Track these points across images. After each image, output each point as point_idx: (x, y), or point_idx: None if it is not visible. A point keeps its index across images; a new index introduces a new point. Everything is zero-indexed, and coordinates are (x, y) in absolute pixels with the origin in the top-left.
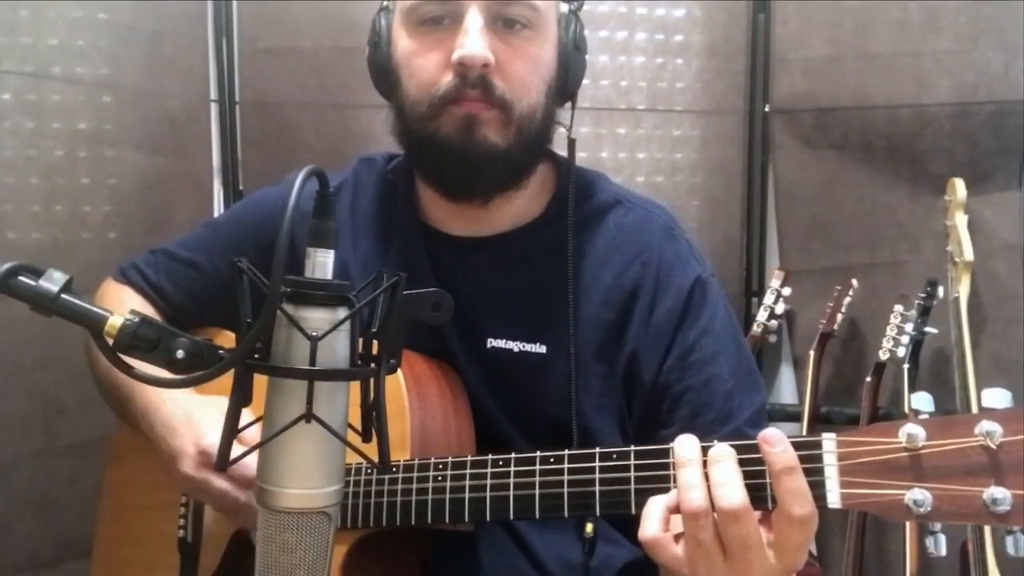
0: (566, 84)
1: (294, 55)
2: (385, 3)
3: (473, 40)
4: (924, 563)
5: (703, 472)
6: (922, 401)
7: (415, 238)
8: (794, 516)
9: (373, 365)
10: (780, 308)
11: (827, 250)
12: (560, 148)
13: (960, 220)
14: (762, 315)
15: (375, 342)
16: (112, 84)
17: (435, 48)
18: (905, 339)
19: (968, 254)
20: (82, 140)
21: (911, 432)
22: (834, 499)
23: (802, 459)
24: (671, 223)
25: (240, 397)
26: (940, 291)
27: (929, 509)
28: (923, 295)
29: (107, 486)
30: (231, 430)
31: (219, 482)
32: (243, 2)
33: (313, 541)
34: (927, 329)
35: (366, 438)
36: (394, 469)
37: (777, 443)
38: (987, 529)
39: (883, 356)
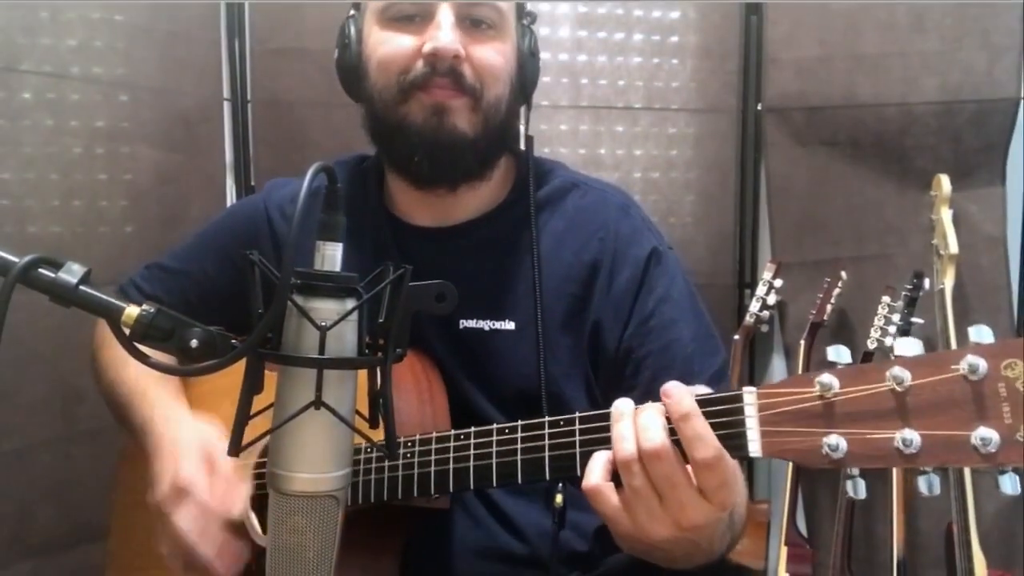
0: (524, 86)
1: (304, 56)
2: (352, 12)
3: (446, 33)
4: (911, 545)
5: (633, 426)
6: (838, 353)
7: (385, 231)
8: (697, 459)
9: (380, 354)
10: (772, 299)
11: (817, 243)
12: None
13: (945, 214)
14: (754, 306)
15: (381, 332)
16: (128, 83)
17: (405, 38)
18: (892, 329)
19: (953, 247)
20: (100, 137)
21: (825, 381)
22: (755, 448)
23: (724, 413)
24: (626, 202)
25: (252, 385)
26: (926, 283)
27: (843, 454)
28: (909, 287)
29: (120, 478)
30: (243, 417)
31: (182, 521)
32: (255, 4)
33: (322, 524)
34: (913, 319)
35: (373, 424)
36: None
37: (672, 393)
38: (971, 512)
39: (871, 345)
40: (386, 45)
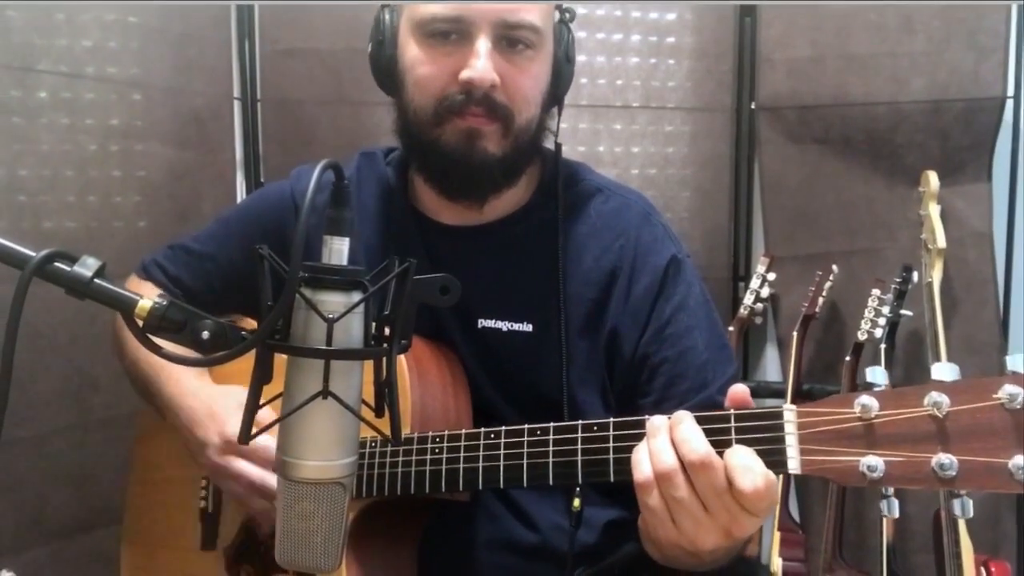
0: (556, 93)
1: (312, 56)
2: (388, 2)
3: (483, 63)
4: (900, 530)
5: (670, 440)
6: (876, 375)
7: (411, 227)
8: (745, 490)
9: (385, 345)
10: (765, 292)
11: (809, 238)
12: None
13: (933, 210)
14: (748, 298)
15: (387, 324)
16: (142, 83)
17: (442, 60)
18: (882, 321)
19: (941, 241)
20: (114, 135)
21: (865, 403)
22: (794, 465)
23: (764, 429)
24: (647, 209)
25: (261, 375)
26: (915, 276)
27: (881, 474)
28: (899, 280)
29: (135, 460)
30: (253, 406)
31: (241, 463)
32: (264, 6)
33: (330, 509)
34: (902, 312)
35: (379, 413)
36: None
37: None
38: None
39: (861, 337)
40: (424, 67)
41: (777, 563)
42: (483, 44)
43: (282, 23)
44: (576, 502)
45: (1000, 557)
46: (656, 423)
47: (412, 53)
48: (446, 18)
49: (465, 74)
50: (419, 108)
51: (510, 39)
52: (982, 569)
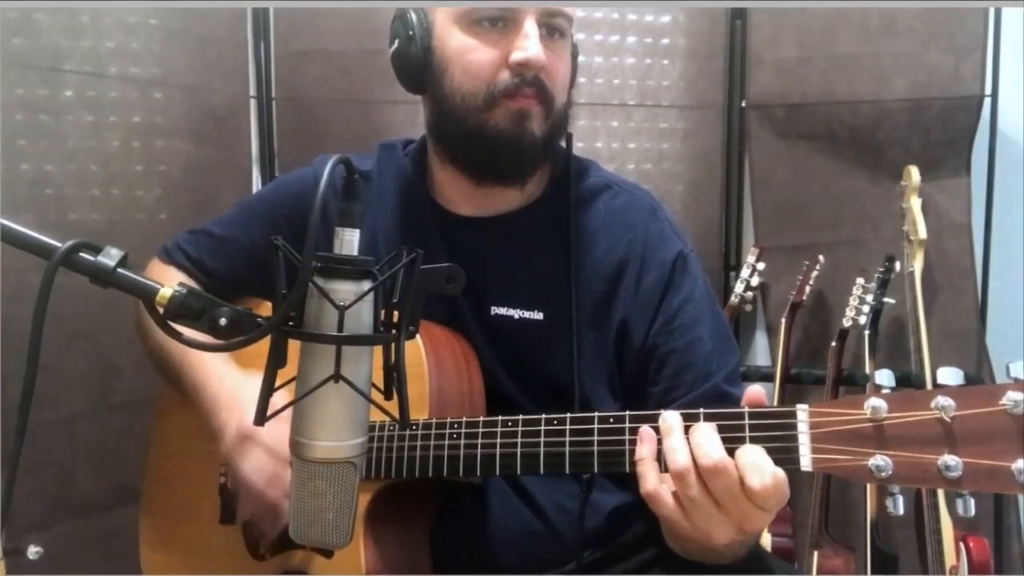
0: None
1: (324, 56)
2: (401, 4)
3: (535, 44)
4: (883, 508)
5: (685, 438)
6: (884, 377)
7: (428, 217)
8: (755, 488)
9: (394, 331)
10: (755, 281)
11: (797, 229)
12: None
13: (915, 203)
14: (739, 287)
15: (396, 311)
16: (162, 82)
17: (492, 46)
18: (866, 308)
19: (922, 233)
20: (136, 132)
21: (875, 405)
22: (806, 463)
23: (778, 427)
24: (655, 205)
25: (276, 360)
26: (897, 266)
27: (889, 473)
28: (882, 269)
29: (156, 433)
30: (268, 389)
31: (259, 452)
32: (279, 9)
33: (341, 488)
34: (885, 299)
35: (388, 396)
36: (412, 426)
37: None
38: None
39: (846, 323)
40: (475, 53)
41: (766, 538)
42: (532, 27)
43: (296, 25)
44: None
45: (978, 533)
46: (670, 421)
47: (458, 42)
48: (495, 4)
49: (519, 55)
50: (468, 94)
51: (550, 26)
52: (961, 544)
